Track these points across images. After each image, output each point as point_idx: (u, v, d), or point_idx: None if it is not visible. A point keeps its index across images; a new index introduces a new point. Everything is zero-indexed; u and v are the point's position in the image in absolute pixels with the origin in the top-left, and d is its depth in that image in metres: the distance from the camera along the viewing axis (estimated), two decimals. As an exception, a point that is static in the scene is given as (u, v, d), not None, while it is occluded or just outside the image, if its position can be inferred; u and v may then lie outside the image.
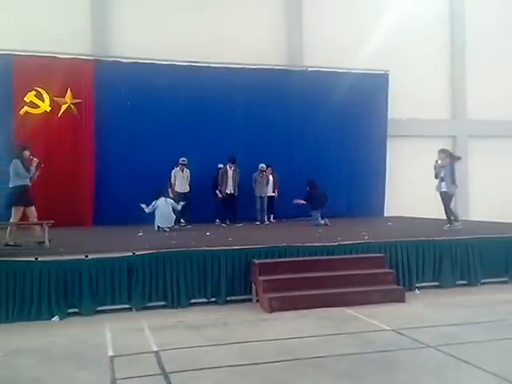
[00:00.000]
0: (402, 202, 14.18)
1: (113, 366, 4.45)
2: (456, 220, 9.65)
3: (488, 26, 15.41)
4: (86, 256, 6.64)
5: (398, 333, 5.33)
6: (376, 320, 5.85)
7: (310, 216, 11.53)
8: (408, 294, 7.05)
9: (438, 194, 9.60)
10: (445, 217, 9.71)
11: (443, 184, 9.51)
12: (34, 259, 6.44)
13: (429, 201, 14.33)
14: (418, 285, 7.72)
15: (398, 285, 7.24)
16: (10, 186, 7.91)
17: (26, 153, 8.07)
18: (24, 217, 7.99)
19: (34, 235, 7.83)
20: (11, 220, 7.90)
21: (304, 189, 11.66)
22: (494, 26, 15.48)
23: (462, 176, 15.58)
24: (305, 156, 13.56)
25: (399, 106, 14.45)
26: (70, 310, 6.46)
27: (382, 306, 6.49)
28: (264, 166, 12.43)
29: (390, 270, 7.31)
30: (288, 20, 14.47)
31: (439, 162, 9.63)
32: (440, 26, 15.63)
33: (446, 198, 9.57)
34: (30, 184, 7.97)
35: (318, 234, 9.28)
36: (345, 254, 7.51)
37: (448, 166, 9.48)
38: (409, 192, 14.36)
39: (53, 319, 6.26)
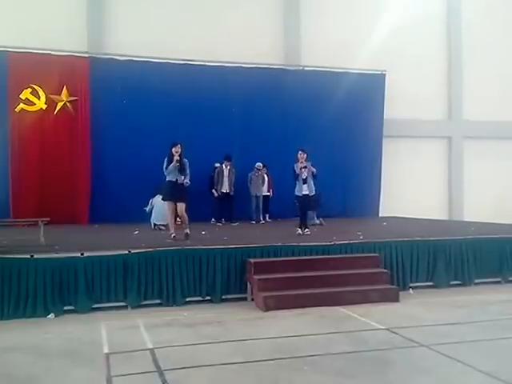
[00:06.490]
0: (397, 203, 14.24)
1: (108, 364, 4.47)
2: (306, 226, 8.99)
3: (485, 27, 15.50)
4: (82, 254, 6.64)
5: (392, 332, 5.36)
6: (370, 319, 5.89)
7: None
8: (402, 294, 7.09)
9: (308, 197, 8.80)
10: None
11: (304, 186, 8.81)
12: (29, 257, 6.43)
13: (423, 201, 14.52)
14: (412, 285, 7.77)
15: (393, 284, 7.28)
16: None
17: (173, 150, 8.31)
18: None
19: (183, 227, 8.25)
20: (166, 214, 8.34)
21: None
22: (490, 28, 15.57)
23: (457, 177, 15.74)
24: (301, 156, 13.55)
25: (395, 107, 14.49)
26: (66, 308, 6.46)
27: (376, 306, 6.53)
28: (261, 164, 12.44)
29: (385, 270, 7.36)
30: (285, 19, 14.47)
31: (303, 162, 8.85)
32: (437, 27, 15.70)
33: (307, 201, 8.87)
34: (174, 180, 8.26)
35: (313, 233, 9.30)
36: (340, 253, 7.54)
37: (309, 168, 8.86)
38: (404, 192, 14.43)
39: (48, 316, 6.27)
